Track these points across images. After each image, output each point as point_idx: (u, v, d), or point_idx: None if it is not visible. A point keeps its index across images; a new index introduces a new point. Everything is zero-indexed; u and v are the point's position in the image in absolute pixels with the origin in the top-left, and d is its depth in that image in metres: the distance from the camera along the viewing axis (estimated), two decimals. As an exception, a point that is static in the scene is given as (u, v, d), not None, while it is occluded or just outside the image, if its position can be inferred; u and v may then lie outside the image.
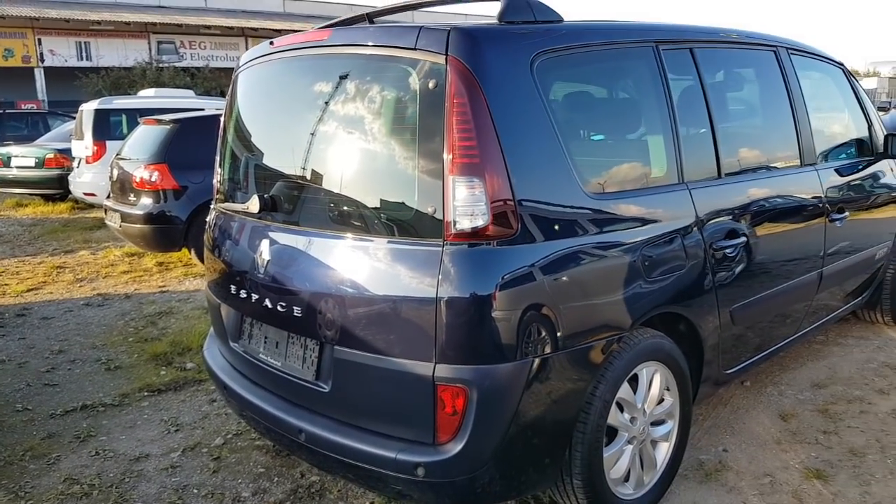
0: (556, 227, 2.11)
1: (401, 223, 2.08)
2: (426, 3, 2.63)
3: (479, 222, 1.93)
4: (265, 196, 2.42)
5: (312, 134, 2.33)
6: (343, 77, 2.27)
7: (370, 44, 2.19)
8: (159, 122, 7.05)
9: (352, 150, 2.24)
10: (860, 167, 3.83)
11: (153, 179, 6.46)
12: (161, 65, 24.89)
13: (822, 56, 3.76)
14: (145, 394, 3.75)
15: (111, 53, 25.74)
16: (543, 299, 2.05)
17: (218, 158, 2.92)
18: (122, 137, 9.17)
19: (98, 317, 5.22)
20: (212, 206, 2.96)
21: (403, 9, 2.64)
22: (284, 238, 2.38)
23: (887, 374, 3.81)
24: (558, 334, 2.08)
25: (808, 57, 3.56)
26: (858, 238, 3.77)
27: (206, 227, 2.94)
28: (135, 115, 10.15)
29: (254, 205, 2.42)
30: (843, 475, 2.82)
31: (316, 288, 2.22)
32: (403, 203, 2.08)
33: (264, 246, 2.39)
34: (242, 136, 2.79)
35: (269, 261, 2.36)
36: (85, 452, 3.12)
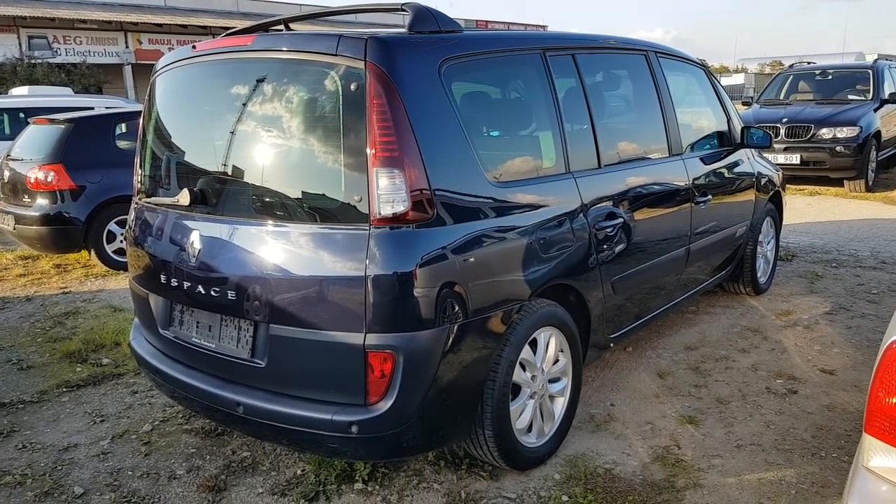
0: (466, 212, 2.42)
1: (330, 211, 2.33)
2: (338, 12, 2.87)
3: (400, 208, 2.22)
4: (195, 189, 2.60)
5: (239, 132, 2.53)
6: (266, 79, 2.49)
7: (292, 49, 2.42)
8: (52, 121, 6.86)
9: (279, 147, 2.47)
10: (721, 156, 4.39)
11: (49, 180, 6.32)
12: (34, 61, 23.43)
13: (686, 58, 4.29)
14: (64, 390, 3.79)
15: (-25, 49, 23.98)
16: (456, 274, 2.36)
17: (138, 158, 3.05)
18: (7, 138, 8.79)
19: (0, 320, 5.11)
20: (133, 203, 3.09)
21: (319, 15, 2.87)
22: (214, 228, 2.57)
23: (748, 336, 4.39)
24: (469, 304, 2.40)
25: (673, 59, 4.07)
26: (721, 218, 4.32)
27: (128, 223, 3.06)
28: (16, 115, 9.72)
29: (184, 198, 2.60)
30: (711, 419, 3.31)
31: (249, 273, 2.43)
32: (332, 193, 2.33)
33: (195, 236, 2.58)
34: (165, 135, 2.94)
35: (200, 250, 2.55)
36: (11, 447, 3.17)
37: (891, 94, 10.07)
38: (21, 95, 10.80)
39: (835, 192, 9.70)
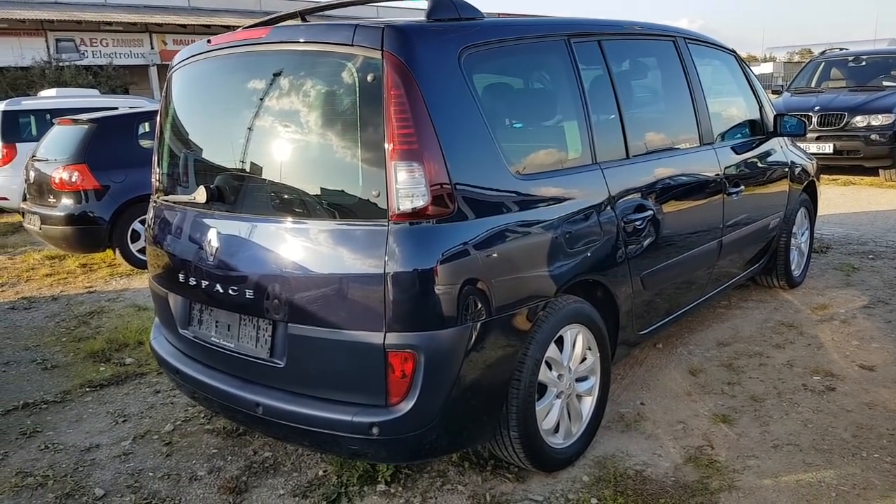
0: (488, 206, 2.34)
1: (348, 207, 2.26)
2: (355, 2, 2.80)
3: (420, 203, 2.14)
4: (212, 187, 2.55)
5: (256, 127, 2.47)
6: (282, 72, 2.43)
7: (307, 41, 2.35)
8: (76, 121, 6.90)
9: (296, 141, 2.41)
10: (753, 145, 4.24)
11: (73, 180, 6.35)
12: (61, 63, 23.77)
13: (716, 44, 4.15)
14: (87, 389, 3.78)
15: (6, 53, 24.30)
16: (479, 270, 2.28)
17: (155, 156, 3.01)
18: (33, 139, 8.88)
19: (26, 320, 5.14)
20: (152, 201, 3.05)
21: (335, 6, 2.80)
22: (232, 226, 2.51)
23: (783, 332, 4.25)
24: (492, 301, 2.31)
25: (703, 45, 3.93)
26: (753, 209, 4.18)
27: (147, 222, 3.03)
28: (44, 116, 9.81)
29: (201, 195, 2.54)
30: (746, 418, 3.19)
31: (267, 271, 2.37)
32: (350, 188, 2.26)
33: (212, 234, 2.53)
34: (181, 132, 2.89)
35: (218, 248, 2.50)
36: (34, 447, 3.16)
37: (927, 80, 9.75)
38: (48, 97, 10.89)
39: (869, 182, 9.43)
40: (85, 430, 3.32)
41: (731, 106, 4.31)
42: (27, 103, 10.08)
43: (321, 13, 2.89)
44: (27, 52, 24.37)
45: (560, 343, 2.70)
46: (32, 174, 6.86)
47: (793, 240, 4.88)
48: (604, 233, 2.81)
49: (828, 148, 9.11)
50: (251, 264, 2.42)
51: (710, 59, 4.07)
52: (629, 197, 2.99)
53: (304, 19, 2.79)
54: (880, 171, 9.32)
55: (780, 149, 4.60)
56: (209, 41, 2.72)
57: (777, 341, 4.10)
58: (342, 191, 2.29)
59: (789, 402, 3.34)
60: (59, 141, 6.91)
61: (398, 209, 2.14)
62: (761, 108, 4.44)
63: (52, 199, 6.49)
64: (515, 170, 2.46)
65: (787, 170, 4.60)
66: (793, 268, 4.97)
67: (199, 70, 2.79)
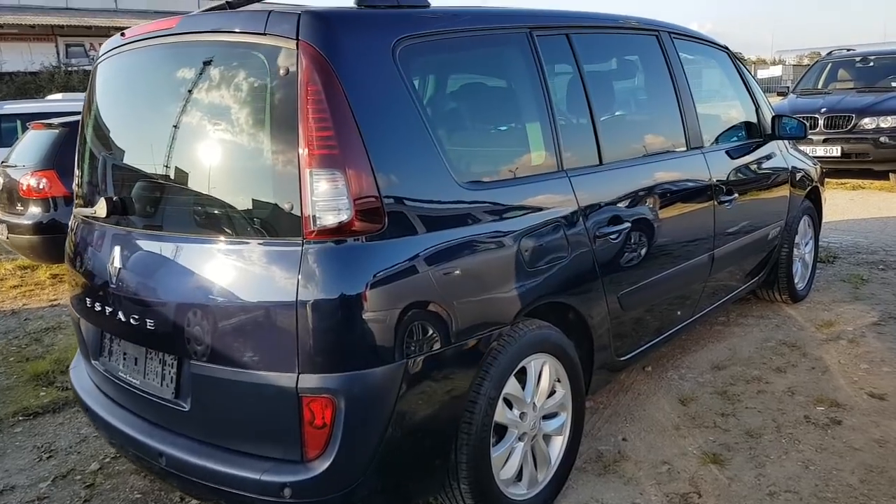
0: (429, 220, 2.00)
1: (255, 222, 1.93)
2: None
3: (342, 217, 1.81)
4: (113, 199, 2.23)
5: (161, 130, 2.15)
6: (191, 67, 2.11)
7: (217, 30, 2.03)
8: (48, 126, 6.61)
9: (202, 146, 2.08)
10: (749, 149, 3.89)
11: (41, 187, 6.06)
12: (70, 68, 23.64)
13: (706, 39, 3.80)
14: (20, 418, 3.46)
15: (15, 58, 24.19)
16: (416, 296, 1.95)
17: (77, 158, 2.69)
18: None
19: (-24, 337, 4.83)
20: (73, 213, 2.73)
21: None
22: (135, 243, 2.19)
23: (784, 353, 3.89)
24: (433, 333, 1.98)
25: (690, 41, 3.58)
26: (750, 219, 3.82)
27: (68, 235, 2.71)
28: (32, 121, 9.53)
29: (101, 209, 2.23)
30: (740, 458, 2.83)
31: (169, 298, 2.05)
32: (257, 200, 1.94)
33: (115, 253, 2.20)
34: (99, 133, 2.57)
35: (119, 269, 2.18)
36: (-59, 490, 2.84)
37: (939, 80, 9.36)
38: (54, 101, 10.59)
39: (879, 186, 9.03)
40: (4, 467, 3.00)
41: (724, 107, 3.96)
42: (10, 108, 9.81)
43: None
44: (37, 56, 24.26)
45: (523, 375, 2.36)
46: (2, 180, 6.58)
47: (795, 250, 4.53)
48: (572, 248, 2.47)
49: (835, 151, 8.73)
50: (152, 289, 2.10)
51: (699, 56, 3.72)
52: (602, 208, 2.64)
53: (230, 6, 2.47)
54: (891, 174, 8.93)
55: (780, 153, 4.24)
56: (123, 34, 2.40)
57: (778, 364, 3.74)
58: (250, 203, 1.96)
59: (789, 437, 2.98)
60: (30, 146, 6.63)
61: (314, 225, 1.80)
62: (758, 109, 4.08)
63: (20, 207, 6.20)
64: (464, 179, 2.13)
65: (787, 175, 4.25)
66: (796, 280, 4.61)
67: (116, 65, 2.47)
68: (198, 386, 1.99)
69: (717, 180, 3.40)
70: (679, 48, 3.37)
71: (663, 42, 3.25)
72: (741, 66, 4.04)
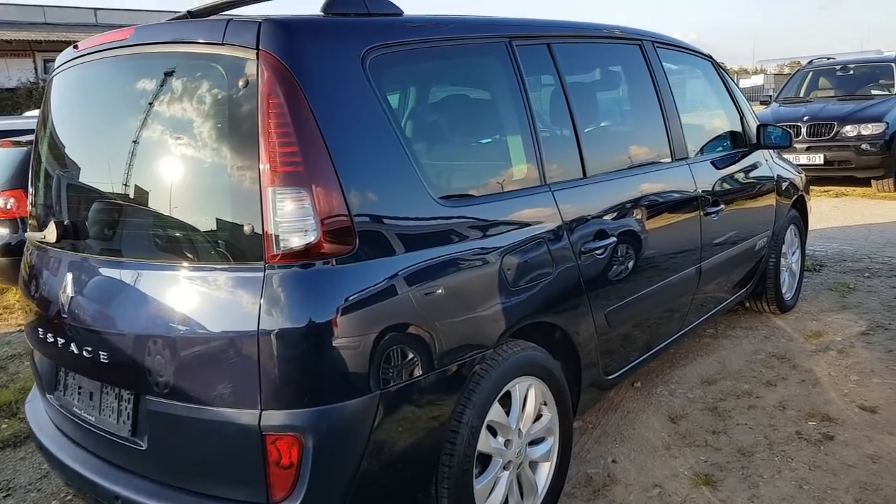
0: (404, 240, 1.89)
1: (215, 246, 1.81)
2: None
3: (309, 239, 1.69)
4: (64, 222, 2.09)
5: (117, 146, 2.03)
6: (147, 80, 1.99)
7: (174, 40, 1.91)
8: (17, 143, 6.43)
9: (159, 163, 1.96)
10: (734, 159, 3.82)
11: (9, 207, 5.87)
12: (48, 84, 23.25)
13: (690, 48, 3.73)
14: (-20, 452, 3.29)
15: (-7, 74, 23.83)
16: (392, 322, 1.83)
17: (30, 177, 2.55)
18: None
19: (-60, 365, 4.64)
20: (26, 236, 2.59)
21: (229, 6, 2.35)
22: (90, 270, 2.06)
23: (774, 365, 3.80)
24: (412, 360, 1.86)
25: (674, 50, 3.51)
26: (737, 230, 3.75)
27: (22, 260, 2.56)
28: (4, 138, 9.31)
29: (51, 233, 2.09)
30: (732, 478, 2.73)
31: (124, 328, 1.91)
32: (218, 222, 1.81)
33: (69, 280, 2.07)
34: (53, 151, 2.43)
35: (73, 298, 2.04)
36: None
37: (917, 88, 9.41)
38: (29, 117, 10.36)
39: (862, 193, 9.04)
40: (-39, 506, 2.84)
41: (708, 117, 3.89)
42: (-21, 125, 9.58)
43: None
44: (14, 73, 23.87)
45: (507, 399, 2.25)
46: (-30, 201, 6.38)
47: (783, 260, 4.46)
48: (556, 265, 2.37)
49: (818, 159, 8.73)
50: (108, 319, 1.97)
51: (683, 65, 3.65)
52: (587, 223, 2.54)
53: (191, 16, 2.35)
54: (872, 181, 8.94)
55: (765, 162, 4.18)
56: (76, 46, 2.28)
57: (768, 377, 3.65)
58: (210, 226, 1.84)
59: (782, 455, 2.89)
60: (-2, 165, 6.44)
61: (277, 248, 1.68)
62: (742, 118, 4.02)
63: (-12, 229, 6.01)
64: (441, 195, 2.02)
65: (773, 184, 4.18)
66: (784, 290, 4.54)
67: (70, 79, 2.35)
68: (155, 423, 1.85)
69: (703, 191, 3.32)
70: (663, 57, 3.29)
71: (647, 51, 3.17)
72: (725, 74, 3.98)
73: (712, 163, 3.56)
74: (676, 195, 3.15)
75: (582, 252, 2.49)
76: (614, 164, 2.84)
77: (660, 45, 3.31)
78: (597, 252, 2.55)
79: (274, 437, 1.67)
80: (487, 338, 2.11)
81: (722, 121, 3.92)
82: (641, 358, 3.12)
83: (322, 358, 1.69)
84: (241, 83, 1.72)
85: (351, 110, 1.82)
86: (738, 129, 3.98)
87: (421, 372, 1.89)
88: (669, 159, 3.18)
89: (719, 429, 3.13)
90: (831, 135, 8.72)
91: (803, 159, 8.62)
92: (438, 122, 2.31)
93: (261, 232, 1.68)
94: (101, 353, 1.93)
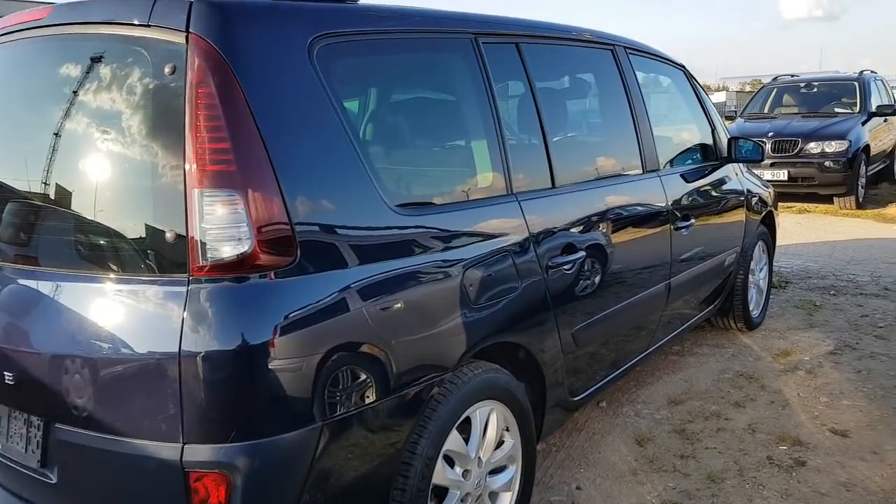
0: (353, 251, 1.70)
1: (138, 255, 1.60)
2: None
3: (243, 249, 1.49)
4: None
5: (33, 139, 1.81)
6: (65, 65, 1.78)
7: (96, 21, 1.70)
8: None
9: (74, 160, 1.75)
10: (705, 173, 3.71)
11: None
12: None
13: (663, 57, 3.61)
14: None
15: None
16: (338, 344, 1.64)
17: None
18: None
19: None
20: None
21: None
22: (2, 279, 1.82)
23: (742, 385, 3.70)
24: (360, 386, 1.68)
25: (647, 57, 3.39)
26: (706, 245, 3.64)
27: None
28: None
29: None
30: (701, 506, 2.60)
31: (34, 346, 1.69)
32: (139, 227, 1.61)
33: None
34: None
35: None
36: None
37: (878, 107, 9.54)
38: None
39: (824, 210, 9.10)
40: None
41: (680, 128, 3.78)
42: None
43: None
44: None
45: (467, 427, 2.07)
46: None
47: (751, 277, 4.37)
48: (522, 281, 2.20)
49: (782, 175, 8.77)
50: (16, 334, 1.74)
51: (655, 74, 3.54)
52: (556, 235, 2.39)
53: None
54: (835, 198, 9.01)
55: (735, 176, 4.09)
56: None
57: (736, 398, 3.54)
58: (132, 232, 1.63)
59: (752, 482, 2.76)
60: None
61: (205, 258, 1.48)
62: (714, 130, 3.92)
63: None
64: (397, 203, 1.83)
65: (743, 199, 4.09)
66: (751, 308, 4.45)
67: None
68: (66, 455, 1.64)
69: (674, 205, 3.20)
70: (635, 65, 3.17)
71: (619, 57, 3.03)
72: (697, 85, 3.88)
73: (683, 175, 3.45)
74: (647, 208, 3.02)
75: (549, 267, 2.33)
76: (584, 175, 2.70)
77: (632, 51, 3.19)
78: (565, 267, 2.39)
79: (198, 475, 1.47)
80: (446, 360, 1.93)
81: (693, 132, 3.82)
82: (609, 377, 2.97)
83: (255, 385, 1.49)
84: (167, 70, 1.52)
85: (294, 105, 1.63)
86: (710, 141, 3.88)
87: (370, 399, 1.70)
88: (640, 171, 3.04)
89: (687, 453, 2.99)
90: (795, 151, 8.77)
91: (767, 175, 8.65)
92: (396, 122, 2.13)
93: (185, 240, 1.48)
94: (7, 372, 1.70)
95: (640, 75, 3.20)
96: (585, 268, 2.51)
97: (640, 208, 2.96)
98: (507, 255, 2.15)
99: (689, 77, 3.84)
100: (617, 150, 3.02)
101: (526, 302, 2.22)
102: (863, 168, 9.01)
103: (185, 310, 1.46)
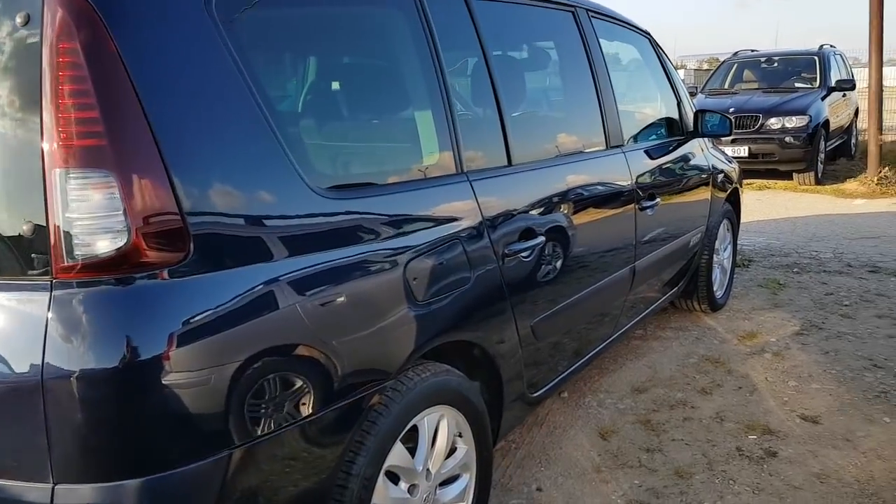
0: (269, 244, 1.44)
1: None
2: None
3: (119, 243, 1.21)
4: None
5: None
6: None
7: None
8: None
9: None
10: (670, 148, 3.52)
11: None
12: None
13: (627, 23, 3.38)
14: None
15: None
16: (250, 355, 1.37)
17: None
18: None
19: None
20: None
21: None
22: None
23: (708, 370, 3.55)
24: (279, 403, 1.42)
25: (611, 22, 3.15)
26: (672, 225, 3.45)
27: None
28: None
29: None
30: (670, 505, 2.42)
31: None
32: None
33: None
34: None
35: None
36: None
37: (837, 82, 9.51)
38: None
39: (784, 186, 9.07)
40: None
41: (645, 100, 3.58)
42: None
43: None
44: None
45: (414, 435, 1.84)
46: None
47: (715, 256, 4.22)
48: (475, 271, 1.97)
49: (743, 151, 8.69)
50: None
51: (619, 41, 3.31)
52: (513, 219, 2.15)
53: None
54: (794, 174, 8.98)
55: (701, 152, 3.91)
56: None
57: (702, 384, 3.38)
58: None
59: (722, 476, 2.60)
60: None
61: (71, 256, 1.20)
62: (680, 103, 3.72)
63: None
64: (322, 184, 1.57)
65: (708, 176, 3.92)
66: (715, 288, 4.31)
67: None
68: None
69: (639, 184, 2.99)
70: (598, 30, 2.92)
71: (581, 21, 2.79)
72: (663, 54, 3.66)
73: (648, 152, 3.24)
74: (611, 188, 2.80)
75: (506, 254, 2.09)
76: (545, 151, 2.46)
77: (595, 14, 2.94)
78: (523, 254, 2.16)
79: None
80: (387, 365, 1.69)
81: (659, 105, 3.61)
82: (571, 368, 2.78)
83: (145, 408, 1.23)
84: (19, 20, 1.21)
85: (185, 65, 1.34)
86: (675, 115, 3.69)
87: (295, 417, 1.45)
88: (604, 147, 2.82)
89: (653, 446, 2.82)
90: (756, 127, 8.69)
91: (729, 151, 8.54)
92: (321, 90, 1.85)
93: (47, 233, 1.19)
94: None
95: (603, 42, 2.97)
96: (546, 254, 2.28)
97: (603, 187, 2.74)
98: (458, 243, 1.91)
99: (655, 45, 3.62)
100: (579, 124, 2.80)
101: (480, 295, 1.99)
102: (822, 144, 8.98)
103: (48, 320, 1.18)
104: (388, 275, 1.68)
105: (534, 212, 2.26)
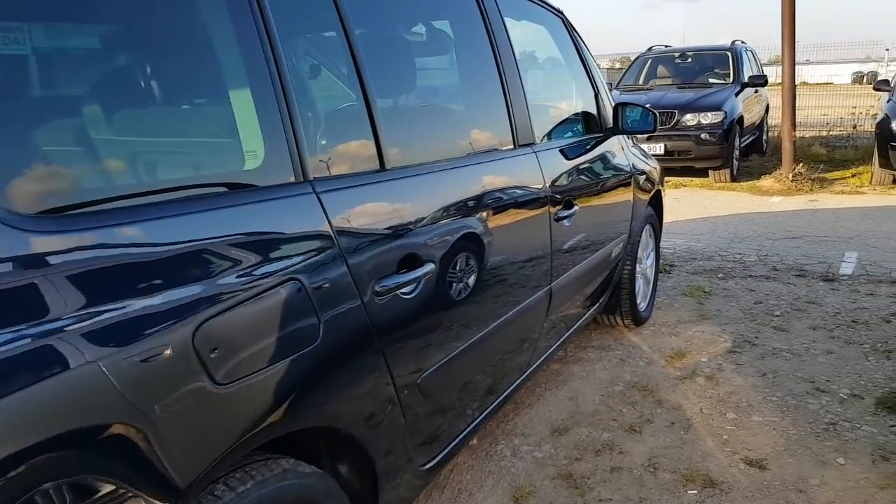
0: None
1: None
2: None
3: None
4: None
5: None
6: None
7: None
8: None
9: None
10: (588, 147, 3.02)
11: None
12: None
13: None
14: None
15: None
16: None
17: None
18: None
19: None
20: None
21: None
22: None
23: (636, 400, 3.09)
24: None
25: (517, -3, 2.61)
26: (592, 236, 2.96)
27: None
28: None
29: None
30: None
31: None
32: None
33: None
34: None
35: None
36: None
37: (750, 78, 9.41)
38: None
39: (700, 184, 8.89)
40: None
41: (559, 91, 3.07)
42: None
43: None
44: None
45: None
46: None
47: (638, 266, 3.80)
48: (326, 322, 1.37)
49: (659, 148, 8.43)
50: None
51: (527, 21, 2.77)
52: (385, 242, 1.56)
53: None
54: (710, 171, 8.80)
55: (622, 151, 3.45)
56: None
57: (630, 419, 2.92)
58: None
59: (662, 551, 2.11)
60: None
61: None
62: (597, 95, 3.23)
63: None
64: (32, 209, 0.95)
65: (630, 178, 3.46)
66: (639, 301, 3.88)
67: None
68: None
69: (554, 189, 2.47)
70: (503, 7, 2.38)
71: (479, -8, 2.22)
72: (578, 37, 3.15)
73: (563, 151, 2.73)
74: (521, 195, 2.25)
75: (377, 292, 1.51)
76: (431, 151, 1.88)
77: (497, -15, 2.39)
78: (403, 290, 1.58)
79: None
80: (168, 483, 1.07)
81: (574, 97, 3.11)
82: (474, 423, 2.22)
83: None
84: None
85: None
86: (593, 109, 3.19)
87: None
88: (511, 145, 2.27)
89: (578, 509, 2.32)
90: (672, 123, 8.44)
91: (645, 149, 8.29)
92: (51, 71, 1.16)
93: None
94: None
95: (508, 21, 2.43)
96: (436, 286, 1.71)
97: (511, 195, 2.19)
98: (295, 283, 1.30)
99: (570, 27, 3.11)
100: (480, 118, 2.24)
101: (334, 354, 1.39)
102: (737, 140, 8.84)
103: None
104: (168, 349, 1.06)
105: (418, 231, 1.68)
